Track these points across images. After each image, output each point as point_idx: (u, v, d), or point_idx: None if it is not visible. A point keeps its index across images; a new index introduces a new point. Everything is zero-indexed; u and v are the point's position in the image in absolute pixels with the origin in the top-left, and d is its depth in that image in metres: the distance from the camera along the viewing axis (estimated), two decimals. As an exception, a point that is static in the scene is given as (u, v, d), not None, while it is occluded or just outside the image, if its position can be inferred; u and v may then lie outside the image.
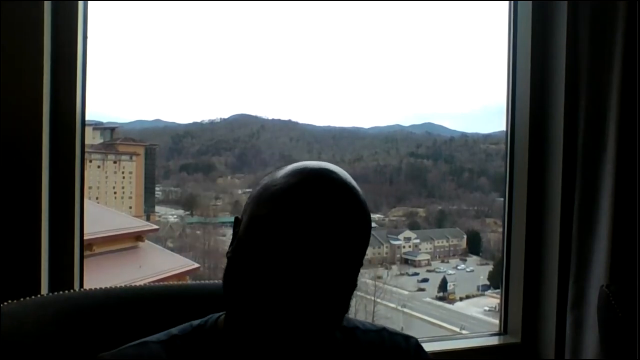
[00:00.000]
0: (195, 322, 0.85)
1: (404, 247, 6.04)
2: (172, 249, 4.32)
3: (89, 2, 1.42)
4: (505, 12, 1.86)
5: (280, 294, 0.70)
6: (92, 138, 4.24)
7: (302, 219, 0.71)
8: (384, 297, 5.79)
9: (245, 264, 0.74)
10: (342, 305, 0.75)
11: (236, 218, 0.82)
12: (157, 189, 4.76)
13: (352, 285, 0.77)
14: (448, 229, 6.09)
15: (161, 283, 1.12)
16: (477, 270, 5.95)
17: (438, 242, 6.13)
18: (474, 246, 6.03)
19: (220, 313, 0.85)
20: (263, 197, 0.75)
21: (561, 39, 1.69)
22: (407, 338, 0.91)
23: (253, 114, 5.59)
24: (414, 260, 6.01)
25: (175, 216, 4.79)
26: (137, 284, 1.17)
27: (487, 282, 5.72)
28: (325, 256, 0.71)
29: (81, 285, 1.41)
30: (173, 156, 5.14)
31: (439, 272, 5.97)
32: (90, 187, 4.17)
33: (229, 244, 0.84)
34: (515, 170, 1.84)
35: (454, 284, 5.90)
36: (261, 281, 0.71)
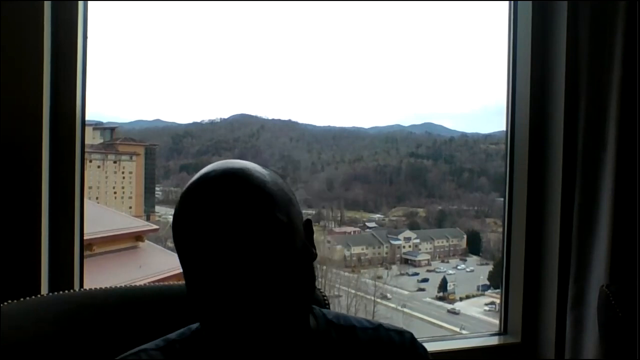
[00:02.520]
0: (194, 326, 0.84)
1: (404, 247, 6.05)
2: (172, 249, 4.31)
3: (89, 2, 1.42)
4: (505, 12, 1.86)
5: (224, 295, 0.70)
6: (92, 138, 4.24)
7: (199, 222, 0.71)
8: (384, 297, 5.79)
9: (185, 275, 0.76)
10: (293, 288, 0.73)
11: None
12: (157, 189, 4.77)
13: (295, 265, 0.74)
14: (448, 229, 6.10)
15: (161, 283, 1.12)
16: (477, 270, 5.96)
17: (438, 242, 6.14)
18: (474, 246, 6.04)
19: None
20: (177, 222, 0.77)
21: (561, 39, 1.69)
22: (402, 333, 0.91)
23: (253, 114, 5.60)
24: (414, 260, 6.01)
25: (175, 216, 4.77)
26: (137, 284, 1.17)
27: (487, 282, 5.72)
28: (237, 247, 0.70)
29: (81, 285, 1.41)
30: (173, 156, 5.14)
31: (439, 272, 5.98)
32: (90, 187, 4.17)
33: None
34: (515, 170, 1.84)
35: (454, 284, 5.91)
36: (201, 288, 0.72)
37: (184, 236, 0.74)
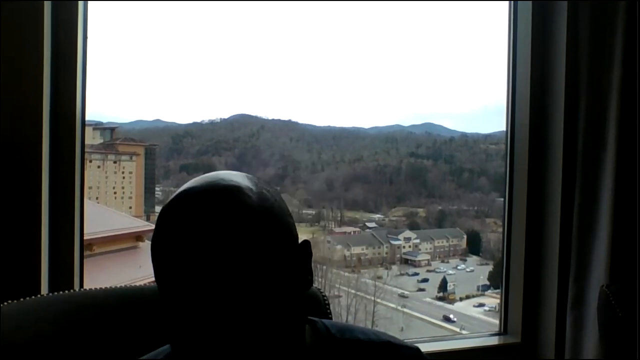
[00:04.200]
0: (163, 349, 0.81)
1: (404, 247, 6.05)
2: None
3: (89, 2, 1.42)
4: (505, 12, 1.86)
5: (190, 322, 0.64)
6: (92, 138, 4.24)
7: (176, 250, 0.64)
8: (384, 297, 5.79)
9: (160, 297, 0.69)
10: (279, 302, 0.66)
11: None
12: (157, 189, 4.76)
13: (279, 277, 0.66)
14: (448, 229, 6.10)
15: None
16: (477, 270, 5.96)
17: (438, 242, 6.14)
18: (474, 246, 6.04)
19: None
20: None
21: (561, 39, 1.69)
22: (410, 349, 0.85)
23: (253, 114, 5.60)
24: (414, 260, 6.01)
25: (175, 216, 4.77)
26: (137, 284, 1.17)
27: (487, 282, 5.72)
28: (217, 269, 0.63)
29: (81, 285, 1.41)
30: (173, 156, 5.14)
31: (439, 272, 5.98)
32: (90, 187, 4.17)
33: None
34: (515, 170, 1.84)
35: (454, 284, 5.90)
36: (170, 310, 0.66)
37: (156, 254, 0.67)
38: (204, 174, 0.74)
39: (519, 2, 1.81)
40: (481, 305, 5.52)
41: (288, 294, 0.68)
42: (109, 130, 4.55)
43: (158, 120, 5.22)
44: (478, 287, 5.80)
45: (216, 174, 0.72)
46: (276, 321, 0.66)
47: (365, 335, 0.84)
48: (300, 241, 0.74)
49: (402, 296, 5.77)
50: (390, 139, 6.08)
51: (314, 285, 0.85)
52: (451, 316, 5.54)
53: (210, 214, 0.65)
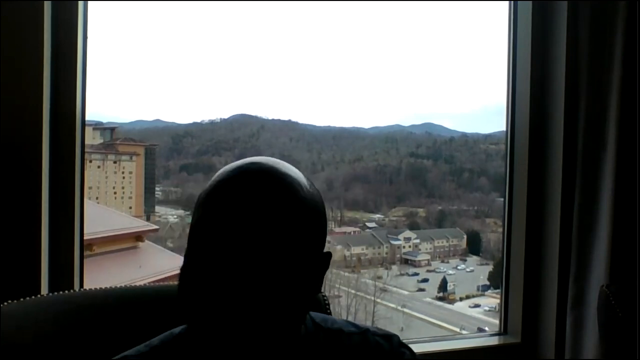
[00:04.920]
0: (176, 330, 0.83)
1: (404, 247, 6.04)
2: (172, 249, 4.32)
3: (89, 2, 1.42)
4: (505, 12, 1.86)
5: (225, 298, 0.68)
6: (92, 138, 4.24)
7: (224, 216, 0.69)
8: (384, 297, 5.79)
9: (192, 273, 0.73)
10: (295, 297, 0.71)
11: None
12: (157, 189, 4.76)
13: (302, 274, 0.72)
14: (448, 229, 6.09)
15: (161, 283, 1.12)
16: (477, 270, 5.95)
17: (438, 242, 6.13)
18: (474, 246, 6.03)
19: None
20: (194, 207, 0.75)
21: (561, 39, 1.69)
22: (389, 337, 0.89)
23: (253, 114, 5.59)
24: (414, 260, 6.01)
25: (175, 216, 4.79)
26: (137, 284, 1.17)
27: (487, 282, 5.72)
28: (256, 247, 0.68)
29: (81, 285, 1.41)
30: (173, 156, 5.14)
31: (439, 272, 5.97)
32: (90, 187, 4.16)
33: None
34: (515, 170, 1.84)
35: (454, 284, 5.90)
36: (206, 287, 0.70)
37: (206, 221, 0.70)
38: (203, 174, 0.76)
39: (519, 2, 1.81)
40: (477, 306, 5.51)
41: (306, 286, 0.74)
42: (109, 130, 4.54)
43: (158, 120, 5.22)
44: (478, 287, 5.80)
45: (274, 159, 0.76)
46: (292, 305, 0.72)
47: (346, 326, 0.89)
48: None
49: (384, 290, 5.76)
50: (390, 139, 6.07)
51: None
52: (486, 328, 5.52)
53: (270, 192, 0.70)
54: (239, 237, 0.68)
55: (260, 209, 0.69)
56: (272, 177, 0.72)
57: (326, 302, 1.08)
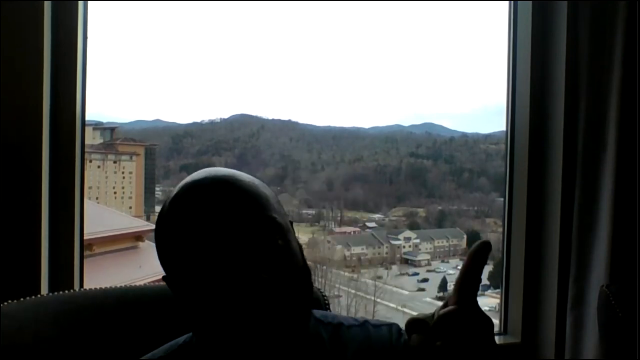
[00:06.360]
0: (181, 340, 0.83)
1: (404, 247, 6.04)
2: (172, 249, 4.30)
3: (89, 2, 1.42)
4: (505, 12, 1.86)
5: (225, 298, 0.70)
6: (92, 138, 4.24)
7: (195, 224, 0.72)
8: (384, 297, 5.79)
9: (175, 283, 0.79)
10: (295, 287, 0.73)
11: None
12: (157, 189, 4.76)
13: (294, 264, 0.75)
14: (448, 229, 6.09)
15: (161, 283, 1.12)
16: (477, 270, 5.95)
17: (438, 242, 6.13)
18: (474, 246, 6.03)
19: None
20: (168, 227, 0.77)
21: (561, 39, 1.69)
22: (389, 326, 0.90)
23: (253, 114, 5.59)
24: (414, 260, 6.00)
25: (175, 216, 4.77)
26: (137, 284, 1.17)
27: (487, 282, 5.71)
28: (236, 248, 0.70)
29: (81, 285, 1.41)
30: (173, 156, 5.14)
31: (439, 272, 5.97)
32: (90, 187, 4.16)
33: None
34: (515, 170, 1.84)
35: (454, 284, 5.90)
36: (199, 294, 0.72)
37: (178, 241, 0.73)
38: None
39: (519, 2, 1.81)
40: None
41: (301, 262, 0.76)
42: (109, 130, 4.54)
43: (158, 120, 5.22)
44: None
45: (209, 169, 0.81)
46: (298, 288, 0.74)
47: (346, 320, 0.90)
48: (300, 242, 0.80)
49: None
50: (390, 139, 6.07)
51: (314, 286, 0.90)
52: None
53: (233, 195, 0.74)
54: (228, 244, 0.70)
55: (227, 208, 0.72)
56: (230, 183, 0.75)
57: (326, 301, 1.08)
